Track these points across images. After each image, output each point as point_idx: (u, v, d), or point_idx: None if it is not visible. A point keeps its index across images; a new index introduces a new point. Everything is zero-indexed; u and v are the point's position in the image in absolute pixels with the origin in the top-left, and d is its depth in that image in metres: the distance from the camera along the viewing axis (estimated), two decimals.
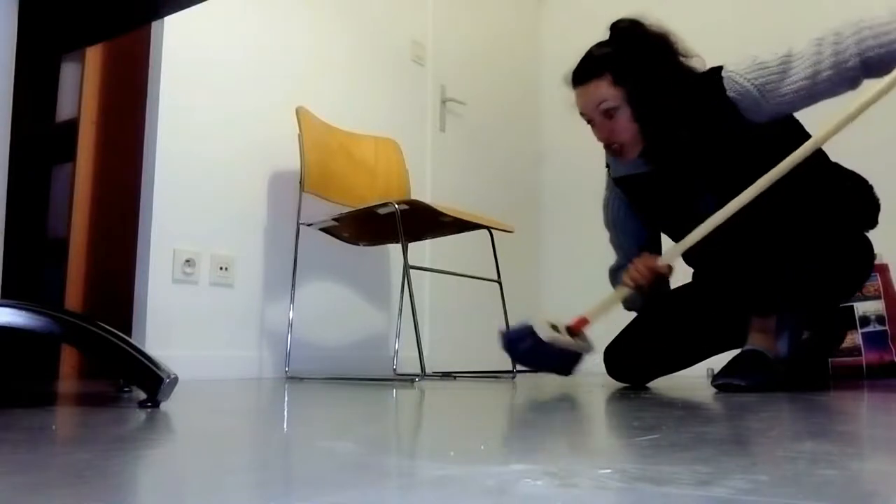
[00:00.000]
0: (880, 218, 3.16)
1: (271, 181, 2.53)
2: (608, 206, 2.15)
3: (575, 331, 1.97)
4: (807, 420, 1.07)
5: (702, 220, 1.76)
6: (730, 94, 1.74)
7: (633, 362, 2.10)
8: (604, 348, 2.20)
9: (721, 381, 1.78)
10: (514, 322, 2.79)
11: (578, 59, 2.30)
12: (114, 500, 0.46)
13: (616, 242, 2.17)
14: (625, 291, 1.98)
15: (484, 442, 0.76)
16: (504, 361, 3.34)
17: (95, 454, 0.66)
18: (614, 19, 2.29)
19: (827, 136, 1.77)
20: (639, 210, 2.05)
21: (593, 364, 2.59)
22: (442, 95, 3.32)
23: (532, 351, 1.87)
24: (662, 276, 1.93)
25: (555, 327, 1.93)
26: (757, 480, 0.53)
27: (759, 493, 0.48)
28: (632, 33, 1.92)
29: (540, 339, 1.84)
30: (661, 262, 1.90)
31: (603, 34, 2.68)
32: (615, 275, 2.12)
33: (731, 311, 1.89)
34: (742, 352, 1.87)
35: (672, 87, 1.82)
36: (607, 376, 2.25)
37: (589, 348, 2.01)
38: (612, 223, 2.15)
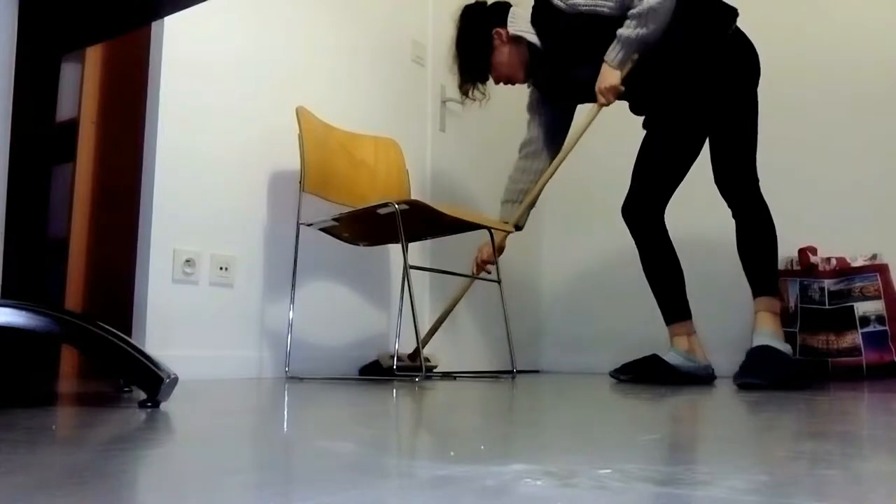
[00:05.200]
0: (880, 219, 3.18)
1: (271, 181, 2.53)
2: (530, 96, 2.70)
3: (413, 357, 2.64)
4: (807, 420, 1.07)
5: (579, 86, 2.43)
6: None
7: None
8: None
9: (742, 380, 2.02)
10: (517, 324, 2.79)
11: None
12: (114, 500, 0.46)
13: (529, 123, 2.71)
14: (456, 300, 2.70)
15: (484, 442, 0.76)
16: (504, 362, 3.34)
17: (95, 454, 0.66)
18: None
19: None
20: (540, 88, 2.60)
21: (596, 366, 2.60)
22: (442, 95, 3.32)
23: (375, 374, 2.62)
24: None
25: (398, 358, 2.68)
26: (757, 480, 0.53)
27: (759, 493, 0.48)
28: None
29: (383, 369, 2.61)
30: (489, 254, 2.63)
31: None
32: (521, 149, 2.72)
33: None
34: (756, 348, 2.13)
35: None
36: (608, 377, 2.31)
37: (434, 364, 2.78)
38: (529, 107, 2.71)
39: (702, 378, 2.36)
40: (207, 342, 2.27)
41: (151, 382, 1.14)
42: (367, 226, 2.48)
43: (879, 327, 2.68)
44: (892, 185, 3.02)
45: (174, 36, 2.25)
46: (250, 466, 0.61)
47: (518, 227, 2.63)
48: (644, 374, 2.32)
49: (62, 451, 0.68)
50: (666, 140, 2.46)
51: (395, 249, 2.96)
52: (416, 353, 2.57)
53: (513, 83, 2.55)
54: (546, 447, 0.72)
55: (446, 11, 3.41)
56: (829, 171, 3.15)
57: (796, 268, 2.91)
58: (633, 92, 2.40)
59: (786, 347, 2.15)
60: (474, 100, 2.55)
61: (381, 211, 2.26)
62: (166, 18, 2.21)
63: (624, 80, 2.32)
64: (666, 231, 2.47)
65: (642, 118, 2.59)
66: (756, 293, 2.24)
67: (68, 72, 2.43)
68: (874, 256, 2.82)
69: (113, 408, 1.15)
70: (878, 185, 3.05)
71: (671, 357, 2.36)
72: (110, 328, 1.18)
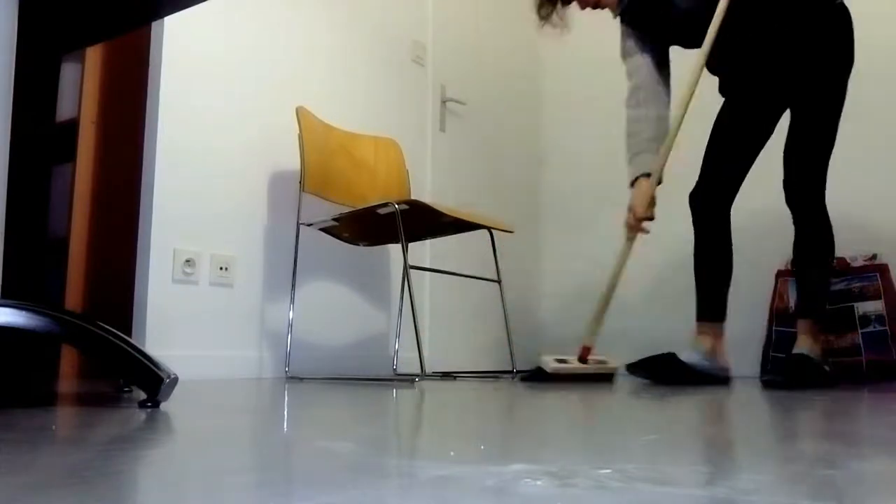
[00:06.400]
0: (880, 219, 3.18)
1: (271, 181, 2.53)
2: (622, 41, 2.38)
3: (584, 358, 2.35)
4: (807, 420, 1.07)
5: (677, 18, 2.23)
6: None
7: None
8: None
9: (767, 377, 2.10)
10: (517, 324, 2.79)
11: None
12: (114, 500, 0.46)
13: (628, 73, 2.37)
14: (613, 287, 2.32)
15: (484, 442, 0.76)
16: (504, 362, 3.34)
17: (95, 454, 0.66)
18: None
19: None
20: (633, 19, 2.34)
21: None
22: (442, 95, 3.32)
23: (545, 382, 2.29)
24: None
25: (562, 360, 2.32)
26: (757, 480, 0.53)
27: (759, 493, 0.48)
28: None
29: (548, 374, 2.27)
30: (643, 209, 2.23)
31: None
32: (629, 101, 2.35)
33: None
34: (791, 354, 2.15)
35: None
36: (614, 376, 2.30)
37: (613, 367, 2.44)
38: (623, 53, 2.39)
39: (716, 378, 2.28)
40: (207, 342, 2.27)
41: (151, 382, 1.14)
42: (367, 226, 2.48)
43: (879, 327, 2.68)
44: (893, 185, 3.02)
45: (174, 36, 2.25)
46: (250, 466, 0.61)
47: (659, 181, 2.30)
48: (658, 372, 2.26)
49: (62, 451, 0.68)
50: (739, 108, 2.29)
51: (395, 249, 2.96)
52: (586, 353, 2.36)
53: (602, 7, 2.32)
54: (546, 447, 0.72)
55: (446, 11, 3.42)
56: (828, 170, 3.15)
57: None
58: (720, 36, 2.15)
59: (823, 362, 2.13)
60: (554, 26, 2.29)
61: (381, 211, 2.26)
62: (166, 18, 2.21)
63: None
64: (729, 225, 2.34)
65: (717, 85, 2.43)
66: (799, 314, 2.20)
67: (68, 72, 2.43)
68: (874, 256, 2.82)
69: (113, 408, 1.15)
70: (878, 185, 3.05)
71: (687, 355, 2.27)
72: (110, 328, 1.18)
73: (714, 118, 2.40)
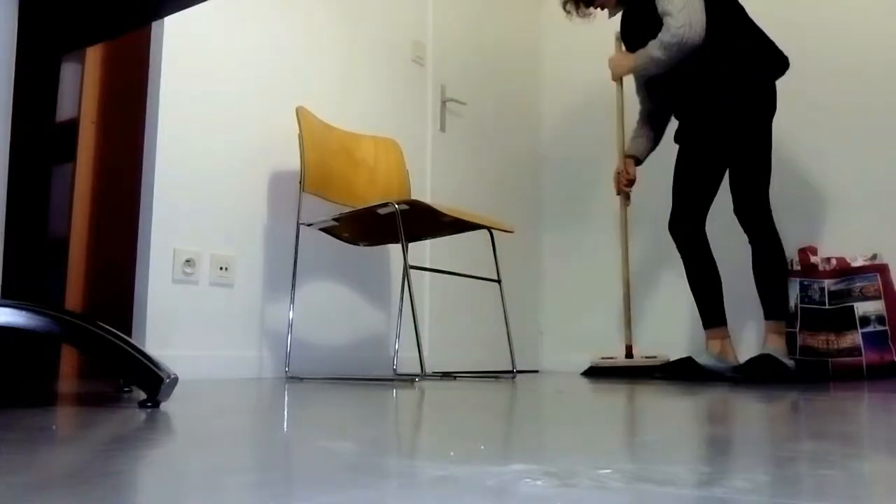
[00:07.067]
0: (880, 219, 3.18)
1: (271, 181, 2.53)
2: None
3: (630, 354, 2.99)
4: (807, 420, 1.07)
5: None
6: None
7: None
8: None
9: (731, 375, 2.40)
10: (517, 324, 2.79)
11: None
12: (114, 500, 0.46)
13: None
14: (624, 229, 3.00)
15: (484, 442, 0.76)
16: (504, 362, 3.34)
17: (95, 454, 0.66)
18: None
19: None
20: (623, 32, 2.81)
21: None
22: (442, 95, 3.32)
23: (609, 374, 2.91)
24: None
25: (608, 358, 3.00)
26: (757, 480, 0.53)
27: (759, 493, 0.48)
28: None
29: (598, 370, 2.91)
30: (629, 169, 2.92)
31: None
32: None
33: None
34: (759, 354, 2.46)
35: None
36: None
37: (662, 357, 2.89)
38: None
39: (728, 378, 2.53)
40: (207, 342, 2.27)
41: (151, 382, 1.15)
42: (367, 226, 2.48)
43: (879, 327, 2.68)
44: (893, 185, 3.02)
45: (174, 36, 2.25)
46: (250, 466, 0.61)
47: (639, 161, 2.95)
48: (677, 374, 2.57)
49: (62, 451, 0.68)
50: (690, 159, 2.63)
51: (395, 249, 2.96)
52: (629, 350, 2.98)
53: (604, 7, 2.78)
54: (546, 447, 0.72)
55: (446, 11, 3.42)
56: (829, 170, 3.15)
57: (796, 268, 2.91)
58: (664, 89, 2.68)
59: (789, 362, 2.44)
60: (581, 17, 2.82)
61: (381, 211, 2.26)
62: (166, 18, 2.21)
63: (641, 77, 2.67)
64: (707, 243, 2.62)
65: (675, 131, 2.78)
66: (765, 316, 2.50)
67: (68, 72, 2.43)
68: (874, 256, 2.82)
69: (113, 408, 1.15)
70: (878, 185, 3.05)
71: (703, 358, 2.57)
72: (110, 328, 1.18)
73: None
